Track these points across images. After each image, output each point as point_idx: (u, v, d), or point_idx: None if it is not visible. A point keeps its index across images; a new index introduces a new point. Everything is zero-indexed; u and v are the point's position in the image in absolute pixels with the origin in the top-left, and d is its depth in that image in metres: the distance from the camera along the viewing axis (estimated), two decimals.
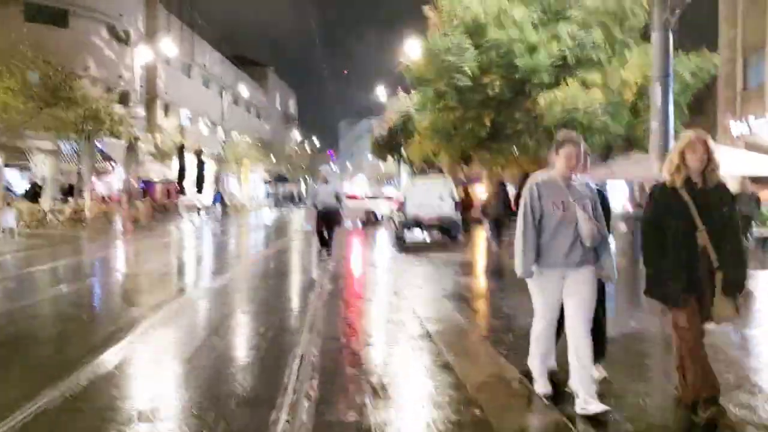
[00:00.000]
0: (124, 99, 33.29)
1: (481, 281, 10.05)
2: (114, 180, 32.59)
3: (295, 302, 8.66)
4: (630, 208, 27.90)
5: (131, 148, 30.22)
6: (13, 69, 18.70)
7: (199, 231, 23.80)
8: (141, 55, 33.52)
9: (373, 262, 12.80)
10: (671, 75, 11.06)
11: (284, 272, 11.76)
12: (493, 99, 15.62)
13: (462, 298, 8.30)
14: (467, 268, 12.24)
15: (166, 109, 44.63)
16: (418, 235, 19.50)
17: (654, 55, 11.14)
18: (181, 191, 36.68)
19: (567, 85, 13.48)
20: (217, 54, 56.55)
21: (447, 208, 17.84)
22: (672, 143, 11.13)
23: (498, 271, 11.61)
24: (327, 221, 12.63)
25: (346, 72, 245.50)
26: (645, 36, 14.52)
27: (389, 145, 35.13)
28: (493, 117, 16.36)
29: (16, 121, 19.86)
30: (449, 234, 18.30)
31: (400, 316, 6.99)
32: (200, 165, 38.64)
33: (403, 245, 16.98)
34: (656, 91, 11.02)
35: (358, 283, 10.08)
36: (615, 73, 13.38)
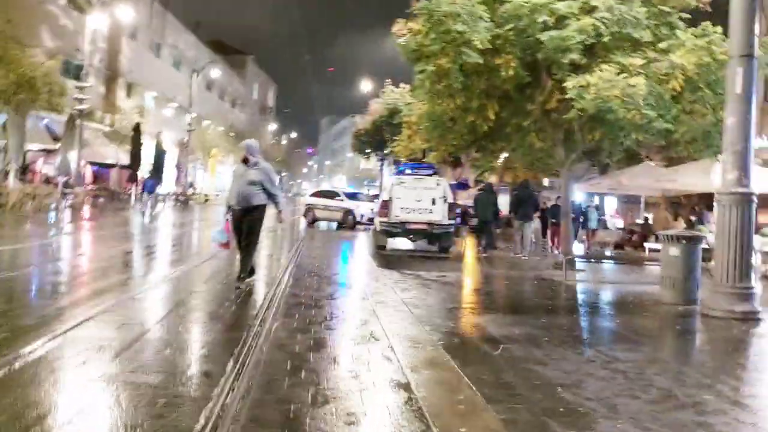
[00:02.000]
0: (76, 72, 29.78)
1: (494, 321, 7.16)
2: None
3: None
4: (618, 223, 25.38)
5: (73, 126, 26.67)
6: None
7: (128, 228, 20.50)
8: (95, 22, 29.96)
9: (336, 282, 9.76)
10: (755, 56, 8.30)
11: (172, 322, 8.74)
12: (500, 87, 12.73)
13: (468, 359, 5.38)
14: (470, 297, 9.31)
15: (129, 88, 41.11)
16: (403, 243, 16.56)
17: (733, 28, 8.36)
18: (133, 178, 33.07)
19: (600, 70, 10.69)
20: (191, 37, 53.15)
21: (439, 214, 14.96)
22: (753, 144, 8.36)
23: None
24: (242, 226, 8.27)
25: (332, 69, 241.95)
26: (695, 17, 11.76)
27: (373, 141, 32.21)
28: (498, 110, 13.46)
29: None
30: (440, 245, 15.42)
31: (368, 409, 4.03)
32: (159, 151, 35.09)
33: (384, 257, 14.03)
34: (736, 76, 8.24)
35: (301, 335, 7.11)
36: (662, 58, 10.56)
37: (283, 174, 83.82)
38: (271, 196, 8.31)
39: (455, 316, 7.20)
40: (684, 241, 8.72)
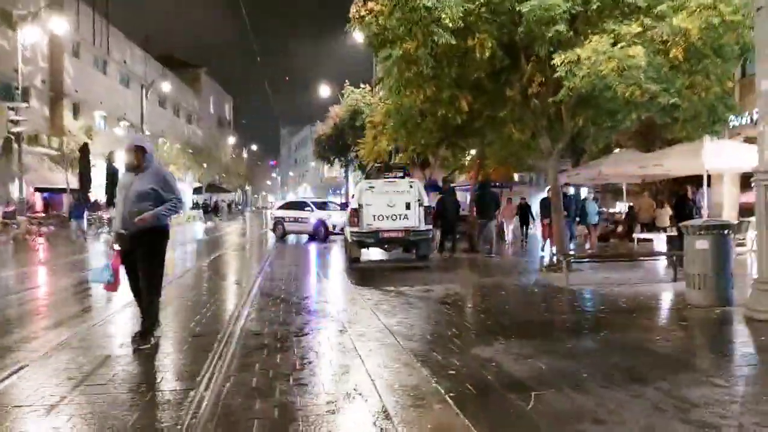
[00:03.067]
0: (12, 93, 27.59)
1: (509, 352, 5.73)
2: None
3: None
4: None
5: (10, 151, 24.58)
6: None
7: (66, 259, 18.60)
8: (30, 40, 27.84)
9: (307, 310, 8.19)
10: None
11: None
12: (473, 75, 11.37)
13: (496, 422, 3.92)
14: (467, 317, 7.86)
15: (75, 108, 38.80)
16: (378, 253, 15.06)
17: None
18: (81, 202, 30.86)
19: (590, 41, 9.39)
20: (139, 51, 50.86)
21: (415, 219, 13.51)
22: None
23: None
24: (136, 260, 5.80)
25: (287, 79, 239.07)
26: None
27: (335, 147, 30.64)
28: (471, 100, 12.10)
29: None
30: (417, 252, 13.98)
31: None
32: (111, 171, 32.96)
33: (359, 271, 12.51)
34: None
35: (261, 401, 5.57)
36: (659, 24, 9.28)
37: (246, 188, 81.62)
38: (172, 208, 5.80)
39: (457, 347, 5.72)
40: (714, 232, 7.41)
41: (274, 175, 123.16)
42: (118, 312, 7.86)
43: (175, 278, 11.69)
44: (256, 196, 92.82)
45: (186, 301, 9.00)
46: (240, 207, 59.89)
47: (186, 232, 29.70)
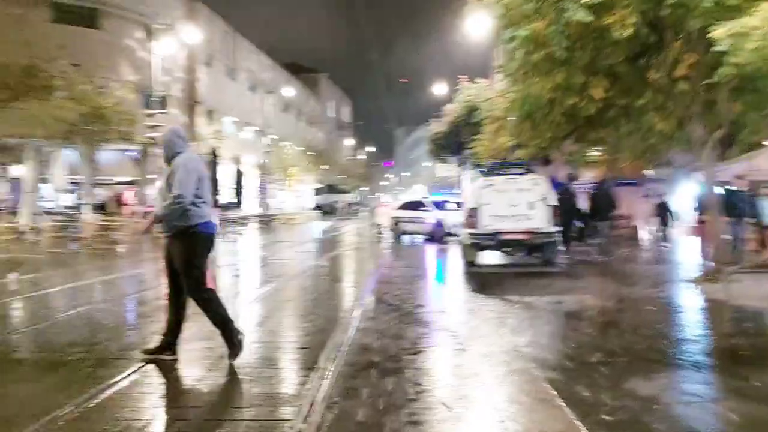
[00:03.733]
0: (153, 103, 29.29)
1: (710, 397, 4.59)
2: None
3: None
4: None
5: (145, 155, 26.10)
6: None
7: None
8: (170, 52, 29.41)
9: (422, 322, 7.34)
10: None
11: None
12: (609, 58, 10.03)
13: None
14: (621, 338, 6.67)
15: (208, 115, 40.83)
16: (497, 257, 13.99)
17: None
18: (214, 203, 32.39)
19: (758, 10, 7.83)
20: (266, 59, 52.83)
21: (540, 219, 12.31)
22: None
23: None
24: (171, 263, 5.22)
25: (405, 80, 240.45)
26: None
27: (450, 145, 29.70)
28: (607, 86, 10.76)
29: None
30: (543, 256, 12.75)
31: None
32: (239, 174, 34.29)
33: (478, 276, 11.54)
34: None
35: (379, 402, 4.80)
36: None
37: (363, 188, 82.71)
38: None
39: (607, 380, 4.64)
40: None
41: (388, 175, 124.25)
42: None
43: (287, 280, 11.37)
44: (371, 196, 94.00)
45: (295, 306, 8.54)
46: (356, 207, 60.59)
47: (303, 233, 30.08)
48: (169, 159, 5.17)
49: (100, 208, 25.04)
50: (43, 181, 25.59)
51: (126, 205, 28.15)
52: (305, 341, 6.21)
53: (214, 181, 34.16)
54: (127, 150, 28.82)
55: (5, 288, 9.95)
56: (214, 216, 5.33)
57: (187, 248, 5.03)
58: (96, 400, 4.24)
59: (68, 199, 24.93)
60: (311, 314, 7.75)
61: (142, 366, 5.02)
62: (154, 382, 4.80)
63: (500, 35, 10.00)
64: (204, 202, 5.09)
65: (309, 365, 5.09)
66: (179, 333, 5.26)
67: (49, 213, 20.91)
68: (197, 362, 5.29)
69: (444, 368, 5.13)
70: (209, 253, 5.23)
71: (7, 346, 5.97)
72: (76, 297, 9.40)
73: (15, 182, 23.28)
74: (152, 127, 27.20)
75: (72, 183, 25.25)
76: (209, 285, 5.21)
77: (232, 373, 4.94)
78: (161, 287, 9.89)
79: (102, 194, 27.85)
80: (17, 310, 8.36)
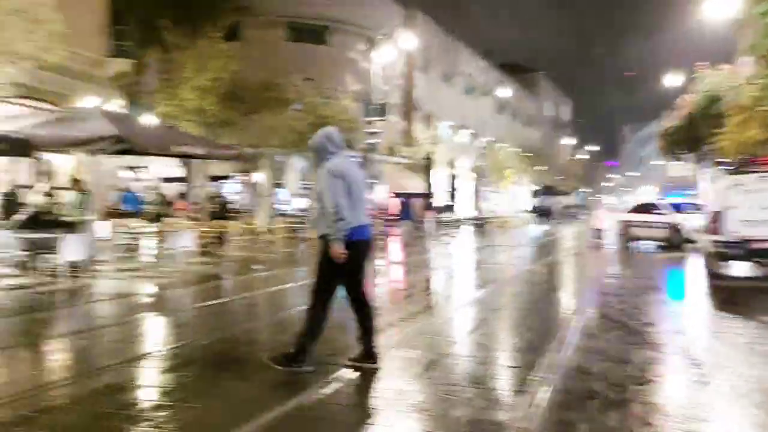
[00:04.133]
0: (374, 112, 30.91)
1: None
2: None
3: None
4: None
5: (366, 160, 27.50)
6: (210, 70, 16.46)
7: (419, 257, 19.10)
8: (383, 57, 30.72)
9: (651, 343, 6.32)
10: None
11: None
12: None
13: None
14: None
15: (425, 120, 41.98)
16: (746, 268, 11.95)
17: None
18: (428, 206, 33.07)
19: None
20: (481, 61, 52.84)
21: None
22: None
23: None
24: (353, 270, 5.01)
25: (631, 74, 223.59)
26: None
27: (686, 140, 26.58)
28: None
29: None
30: None
31: None
32: (453, 178, 34.71)
33: (723, 291, 9.91)
34: None
35: None
36: None
37: (583, 190, 78.42)
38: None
39: None
40: None
41: (612, 175, 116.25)
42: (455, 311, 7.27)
43: (498, 286, 10.92)
44: (593, 198, 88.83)
45: (505, 315, 8.06)
46: (575, 210, 57.46)
47: (517, 236, 29.23)
48: (318, 163, 5.04)
49: None
50: (278, 186, 28.32)
51: None
52: (514, 358, 5.72)
53: (431, 186, 34.95)
54: (349, 156, 30.74)
55: (242, 285, 10.96)
56: (365, 219, 4.95)
57: (328, 258, 4.87)
58: (283, 410, 4.24)
59: (301, 203, 27.26)
60: (522, 326, 7.22)
61: (344, 373, 4.97)
62: (350, 392, 4.71)
63: (751, 10, 8.44)
64: (355, 208, 4.85)
65: (517, 388, 4.61)
66: (370, 340, 5.03)
67: (282, 215, 23.00)
68: (398, 373, 5.11)
69: (680, 405, 4.28)
70: (363, 259, 5.01)
71: (227, 344, 6.40)
72: (297, 296, 10.00)
73: (249, 187, 26.10)
74: (372, 134, 28.70)
75: (304, 188, 27.55)
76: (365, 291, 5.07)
77: (433, 389, 4.66)
78: (382, 288, 10.19)
79: None
80: (245, 307, 9.08)
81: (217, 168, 20.28)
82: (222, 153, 13.90)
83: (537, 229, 36.22)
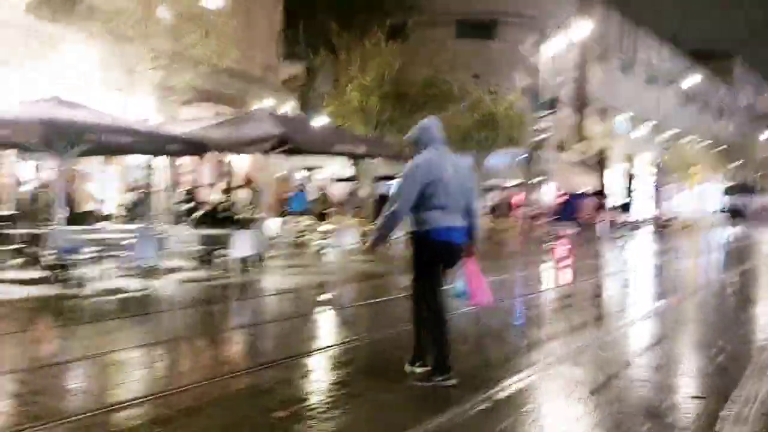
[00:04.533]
0: (543, 106, 29.65)
1: None
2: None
3: None
4: None
5: (533, 157, 26.41)
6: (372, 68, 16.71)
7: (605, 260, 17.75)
8: (554, 49, 29.28)
9: None
10: None
11: None
12: None
13: None
14: None
15: (600, 113, 39.46)
16: None
17: None
18: (601, 206, 30.93)
19: None
20: (667, 49, 48.58)
21: None
22: None
23: None
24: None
25: None
26: None
27: None
28: None
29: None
30: None
31: None
32: (630, 176, 32.25)
33: None
34: None
35: None
36: None
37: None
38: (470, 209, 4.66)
39: None
40: None
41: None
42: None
43: (682, 296, 9.69)
44: None
45: (690, 332, 7.04)
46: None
47: (705, 239, 26.26)
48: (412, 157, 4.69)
49: (492, 210, 26.36)
50: None
51: (517, 207, 29.13)
52: (700, 386, 4.87)
53: (603, 184, 32.67)
54: (515, 153, 29.75)
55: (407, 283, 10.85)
56: (454, 221, 4.49)
57: (413, 255, 4.59)
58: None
59: None
60: (711, 346, 6.19)
61: (495, 389, 4.51)
62: (502, 413, 4.23)
63: None
64: (438, 208, 4.42)
65: (704, 425, 3.83)
66: (440, 351, 4.51)
67: None
68: (559, 394, 4.54)
69: None
70: (439, 262, 4.56)
71: (384, 344, 6.19)
72: None
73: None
74: (540, 129, 27.51)
75: None
76: (482, 300, 4.70)
77: (598, 416, 4.04)
78: (546, 295, 9.56)
79: (494, 197, 29.32)
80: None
81: (384, 168, 20.70)
82: (384, 152, 14.01)
83: (728, 232, 32.30)
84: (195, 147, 10.41)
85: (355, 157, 14.70)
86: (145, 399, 4.21)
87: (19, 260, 9.26)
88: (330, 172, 19.25)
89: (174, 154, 11.19)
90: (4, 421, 3.78)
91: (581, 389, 4.56)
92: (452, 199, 4.47)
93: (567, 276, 13.09)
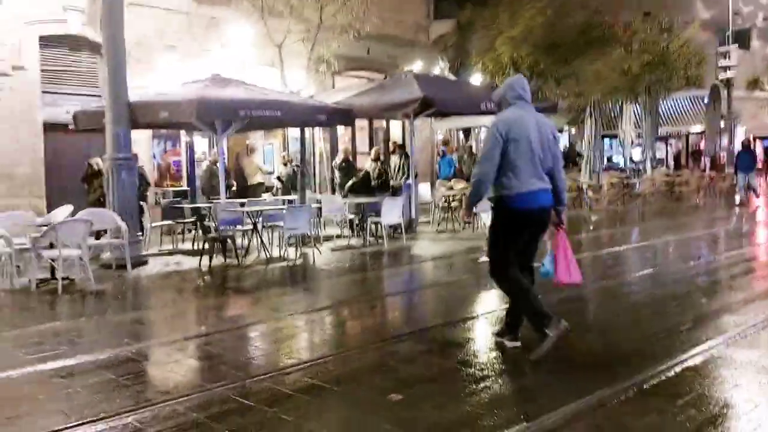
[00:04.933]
0: (729, 38, 26.05)
1: None
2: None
3: None
4: None
5: (715, 97, 23.37)
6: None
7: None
8: None
9: None
10: None
11: None
12: None
13: None
14: None
15: None
16: None
17: None
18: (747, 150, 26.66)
19: None
20: None
21: None
22: None
23: None
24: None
25: None
26: None
27: None
28: None
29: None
30: None
31: None
32: None
33: None
34: None
35: None
36: None
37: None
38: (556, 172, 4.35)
39: None
40: None
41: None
42: None
43: None
44: None
45: None
46: None
47: None
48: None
49: (674, 160, 23.93)
50: (609, 137, 26.10)
51: (700, 156, 26.20)
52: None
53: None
54: (696, 95, 26.58)
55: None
56: (538, 184, 4.15)
57: (494, 224, 4.35)
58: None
59: (636, 154, 24.69)
60: None
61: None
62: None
63: None
64: (521, 171, 4.11)
65: None
66: (516, 319, 4.46)
67: (613, 169, 21.19)
68: (730, 380, 3.89)
69: None
70: (525, 232, 4.25)
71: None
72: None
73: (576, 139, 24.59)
74: (725, 67, 24.36)
75: (639, 137, 24.77)
76: (566, 278, 4.36)
77: None
78: (731, 260, 8.39)
79: (673, 146, 26.63)
80: None
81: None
82: (538, 105, 13.20)
83: None
84: (342, 116, 10.52)
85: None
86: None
87: (191, 233, 10.12)
88: (484, 133, 18.64)
89: (323, 124, 11.42)
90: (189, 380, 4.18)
91: (759, 376, 3.86)
92: (531, 161, 4.14)
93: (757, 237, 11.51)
